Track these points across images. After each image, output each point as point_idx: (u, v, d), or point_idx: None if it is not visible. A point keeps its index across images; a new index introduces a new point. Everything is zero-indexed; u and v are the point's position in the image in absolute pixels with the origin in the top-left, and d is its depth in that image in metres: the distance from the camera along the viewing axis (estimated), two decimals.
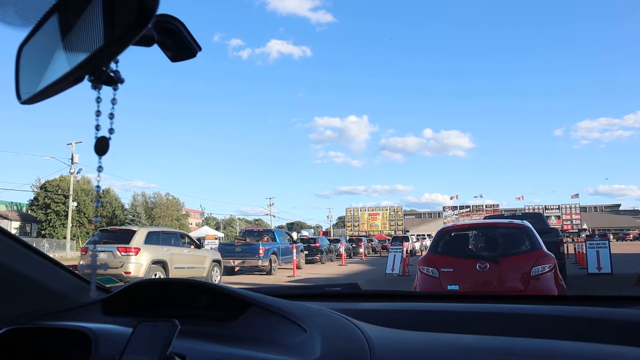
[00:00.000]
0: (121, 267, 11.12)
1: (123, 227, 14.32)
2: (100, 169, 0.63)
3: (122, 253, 11.24)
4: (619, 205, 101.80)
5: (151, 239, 11.93)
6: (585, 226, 69.99)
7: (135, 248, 11.34)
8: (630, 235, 70.54)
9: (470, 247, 7.00)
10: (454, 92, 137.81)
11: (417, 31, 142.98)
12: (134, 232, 11.84)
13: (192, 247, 13.54)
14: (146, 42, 0.63)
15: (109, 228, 13.46)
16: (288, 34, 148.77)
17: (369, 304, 1.40)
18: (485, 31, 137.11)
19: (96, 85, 0.60)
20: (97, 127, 0.61)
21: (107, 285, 1.57)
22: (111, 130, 0.62)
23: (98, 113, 0.61)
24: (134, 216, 61.93)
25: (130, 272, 11.04)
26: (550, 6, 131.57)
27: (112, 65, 0.61)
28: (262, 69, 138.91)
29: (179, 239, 13.38)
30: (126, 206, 65.98)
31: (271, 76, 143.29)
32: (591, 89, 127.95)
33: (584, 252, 14.79)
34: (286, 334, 1.04)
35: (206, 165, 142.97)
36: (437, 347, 0.92)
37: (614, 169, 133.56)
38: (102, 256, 11.32)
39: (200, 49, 0.71)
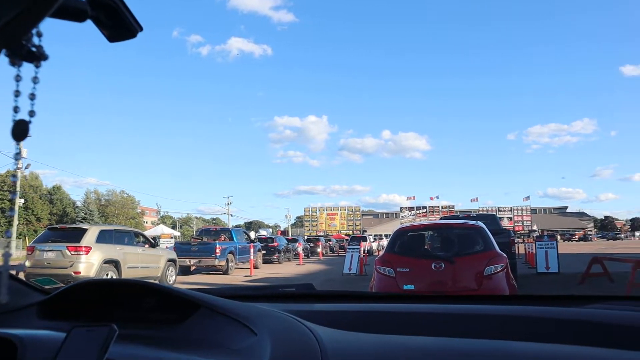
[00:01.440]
0: (70, 266, 10.69)
1: (73, 225, 13.81)
2: (18, 155, 0.56)
3: (72, 252, 10.81)
4: (566, 208, 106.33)
5: (103, 237, 11.53)
6: (535, 227, 72.57)
7: (86, 247, 10.93)
8: (576, 236, 73.89)
9: (426, 247, 7.10)
10: (412, 93, 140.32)
11: (376, 31, 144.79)
12: (85, 230, 11.42)
13: (147, 246, 13.19)
14: (77, 16, 0.56)
15: (58, 226, 12.96)
16: (249, 32, 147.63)
17: (324, 305, 1.37)
18: (445, 31, 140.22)
19: (14, 61, 0.53)
20: (16, 109, 0.54)
21: (46, 287, 1.48)
22: (32, 113, 0.55)
23: (17, 93, 0.54)
24: (86, 214, 59.99)
25: (80, 272, 10.63)
26: (513, 7, 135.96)
27: (35, 40, 0.54)
28: (222, 67, 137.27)
29: (133, 237, 13.01)
30: (78, 204, 63.87)
31: (231, 74, 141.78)
32: (543, 94, 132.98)
33: (534, 252, 15.30)
34: (235, 337, 0.99)
35: (163, 163, 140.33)
36: (390, 349, 0.90)
37: (562, 173, 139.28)
38: (50, 255, 10.86)
39: (141, 29, 0.64)
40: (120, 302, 1.21)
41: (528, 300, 1.36)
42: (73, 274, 10.59)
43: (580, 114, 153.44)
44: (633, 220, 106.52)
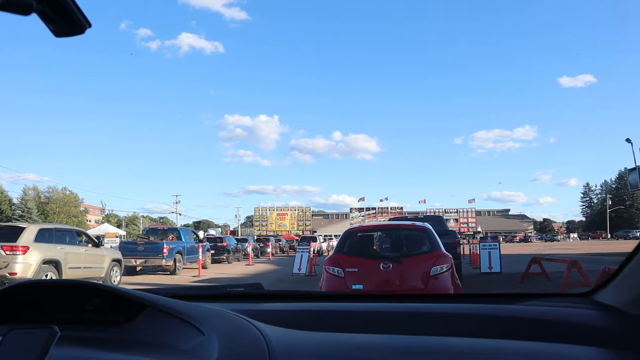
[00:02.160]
0: (5, 267, 10.14)
1: (9, 224, 13.11)
2: None
3: (7, 252, 10.25)
4: (508, 210, 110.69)
5: (42, 236, 10.99)
6: (479, 229, 75.08)
7: (23, 246, 10.39)
8: (517, 238, 77.09)
9: (374, 247, 7.22)
10: (363, 95, 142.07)
11: (328, 32, 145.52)
12: (22, 229, 10.85)
13: (90, 245, 12.70)
14: (21, 8, 0.54)
15: None
16: (200, 28, 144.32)
17: (272, 305, 1.38)
18: (399, 32, 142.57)
19: None
20: None
21: None
22: None
23: None
24: (23, 212, 57.12)
25: (16, 273, 10.10)
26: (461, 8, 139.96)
27: None
28: (172, 63, 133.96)
29: (75, 237, 12.48)
30: (15, 201, 60.72)
31: (181, 70, 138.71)
32: (488, 101, 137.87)
33: (478, 253, 15.85)
34: (182, 337, 0.98)
35: (109, 160, 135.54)
36: (337, 347, 0.92)
37: (505, 177, 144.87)
38: None
39: (89, 25, 0.63)
40: (61, 304, 1.17)
41: (470, 299, 1.42)
42: (8, 275, 10.06)
43: (522, 121, 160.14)
44: (569, 222, 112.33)
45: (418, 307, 1.30)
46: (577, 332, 1.06)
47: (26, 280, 1.20)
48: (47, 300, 1.17)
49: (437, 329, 1.12)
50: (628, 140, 28.56)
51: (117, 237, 31.42)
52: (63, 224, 21.47)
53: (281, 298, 1.49)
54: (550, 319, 1.12)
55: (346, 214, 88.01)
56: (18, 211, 57.38)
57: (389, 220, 17.64)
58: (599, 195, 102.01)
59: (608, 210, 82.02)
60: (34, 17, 0.58)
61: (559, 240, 71.78)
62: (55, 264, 11.05)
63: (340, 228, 58.18)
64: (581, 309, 1.17)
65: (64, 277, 11.00)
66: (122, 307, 1.11)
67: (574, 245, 47.69)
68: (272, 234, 62.59)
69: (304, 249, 16.58)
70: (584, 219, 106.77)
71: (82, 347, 0.96)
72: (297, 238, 45.11)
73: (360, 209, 78.57)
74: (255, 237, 40.88)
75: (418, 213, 48.47)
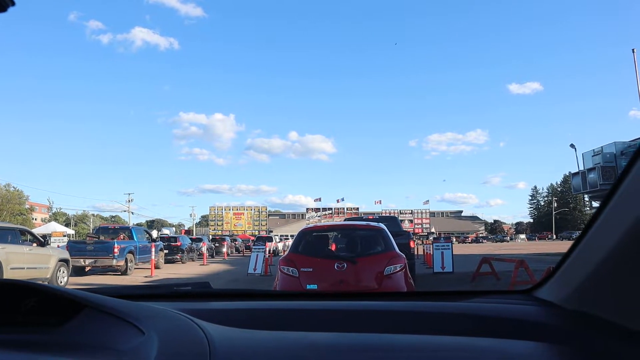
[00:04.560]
0: None
1: None
2: None
3: None
4: (461, 212, 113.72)
5: None
6: (433, 230, 76.81)
7: None
8: (469, 239, 79.35)
9: (329, 247, 7.24)
10: (318, 95, 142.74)
11: (284, 30, 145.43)
12: None
13: (35, 245, 12.15)
14: None
15: None
16: (155, 23, 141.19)
17: (220, 304, 1.35)
18: (355, 29, 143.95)
19: None
20: None
21: None
22: None
23: None
24: None
25: None
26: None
27: None
28: (124, 57, 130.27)
29: (18, 235, 11.91)
30: None
31: (134, 66, 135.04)
32: (441, 104, 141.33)
33: (431, 253, 16.19)
34: (121, 337, 0.94)
35: (56, 155, 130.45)
36: (284, 345, 0.91)
37: (457, 179, 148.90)
38: None
39: (13, 3, 0.59)
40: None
41: (421, 297, 1.44)
42: None
43: (474, 125, 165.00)
44: (517, 224, 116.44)
45: (369, 305, 1.31)
46: (517, 327, 1.09)
47: None
48: None
49: (386, 327, 1.13)
50: (572, 145, 29.83)
51: (64, 236, 30.26)
52: (5, 222, 20.51)
53: (229, 297, 1.46)
54: (492, 315, 1.16)
55: (302, 214, 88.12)
56: None
57: (345, 220, 17.76)
58: (546, 198, 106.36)
59: (554, 212, 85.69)
60: None
61: (508, 241, 74.31)
62: None
63: (296, 228, 58.00)
64: (522, 305, 1.22)
65: (5, 277, 10.48)
66: (60, 307, 1.06)
67: (522, 245, 49.52)
68: (227, 233, 61.85)
69: (259, 248, 16.46)
70: (531, 220, 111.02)
71: (15, 351, 0.90)
72: (253, 238, 44.74)
73: (317, 209, 78.85)
74: (211, 237, 40.25)
75: (373, 214, 49.13)
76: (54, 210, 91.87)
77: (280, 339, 0.97)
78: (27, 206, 71.51)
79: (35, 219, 76.95)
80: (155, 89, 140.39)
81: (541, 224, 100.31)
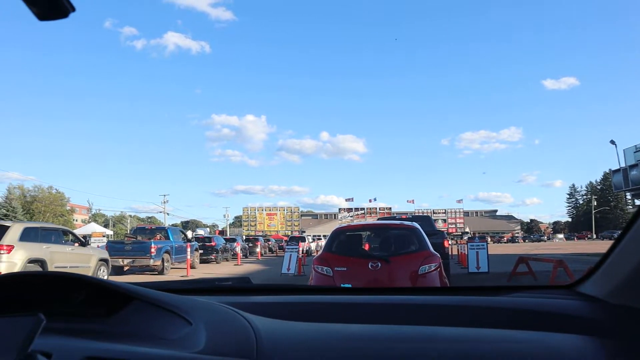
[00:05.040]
0: None
1: None
2: None
3: None
4: (496, 211, 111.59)
5: (28, 235, 10.85)
6: (467, 229, 75.67)
7: (7, 245, 10.25)
8: (505, 238, 77.71)
9: (363, 246, 7.22)
10: (350, 96, 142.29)
11: (314, 32, 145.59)
12: (7, 227, 10.69)
13: (77, 244, 12.57)
14: None
15: None
16: (186, 27, 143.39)
17: (260, 297, 1.38)
18: (383, 32, 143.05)
19: None
20: None
21: None
22: None
23: None
24: (8, 211, 56.34)
25: (0, 273, 9.98)
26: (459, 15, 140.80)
27: None
28: (157, 62, 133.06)
29: (61, 236, 12.34)
30: None
31: (167, 70, 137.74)
32: (474, 102, 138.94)
33: (466, 253, 15.94)
34: (169, 327, 0.98)
35: (96, 159, 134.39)
36: (324, 336, 0.92)
37: (492, 179, 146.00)
38: None
39: (73, 9, 0.62)
40: (47, 296, 1.15)
41: (460, 291, 1.44)
42: None
43: (507, 123, 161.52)
44: (555, 223, 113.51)
45: (406, 299, 1.31)
46: (559, 320, 1.09)
47: (8, 273, 1.18)
48: (34, 293, 1.15)
49: (425, 320, 1.14)
50: (612, 142, 28.91)
51: (104, 236, 31.14)
52: (49, 223, 21.20)
53: (269, 292, 1.49)
54: (534, 308, 1.15)
55: (335, 214, 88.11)
56: (2, 210, 56.59)
57: (378, 219, 17.67)
58: (585, 197, 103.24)
59: (593, 211, 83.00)
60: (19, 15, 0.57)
61: (545, 241, 72.48)
62: (41, 263, 10.91)
63: (328, 228, 58.18)
64: (564, 299, 1.20)
65: None
66: (108, 299, 1.10)
67: (560, 245, 48.19)
68: (260, 234, 62.46)
69: (292, 249, 16.55)
70: (570, 219, 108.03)
71: (69, 337, 0.95)
72: (285, 238, 45.00)
73: (349, 209, 78.69)
74: (244, 237, 40.70)
75: (406, 213, 48.70)
76: (94, 211, 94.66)
77: (323, 330, 0.99)
78: (68, 208, 73.82)
79: (76, 220, 79.35)
80: (187, 92, 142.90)
81: (580, 223, 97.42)
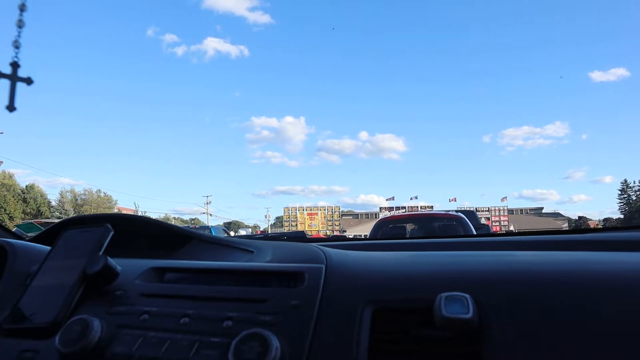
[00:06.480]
0: None
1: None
2: None
3: None
4: (541, 209, 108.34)
5: None
6: (512, 227, 73.81)
7: None
8: None
9: (407, 237, 7.12)
10: (389, 96, 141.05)
11: (352, 36, 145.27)
12: None
13: None
14: None
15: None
16: (225, 32, 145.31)
17: (319, 245, 1.36)
18: (418, 36, 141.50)
19: None
20: None
21: (29, 234, 1.43)
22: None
23: None
24: (61, 213, 58.97)
25: None
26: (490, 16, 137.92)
27: None
28: (198, 67, 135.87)
29: None
30: (53, 203, 62.75)
31: (207, 74, 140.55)
32: (516, 97, 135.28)
33: None
34: (232, 256, 0.98)
35: (141, 163, 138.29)
36: (391, 257, 0.88)
37: (536, 175, 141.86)
38: None
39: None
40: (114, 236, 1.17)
41: (585, 231, 1.28)
42: None
43: (552, 117, 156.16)
44: (605, 220, 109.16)
45: (525, 239, 1.18)
46: None
47: (73, 216, 1.21)
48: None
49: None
50: None
51: None
52: None
53: (325, 241, 1.47)
54: None
55: (376, 214, 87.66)
56: (56, 213, 59.23)
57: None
58: (638, 192, 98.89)
59: None
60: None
61: None
62: None
63: (369, 227, 57.83)
64: None
65: None
66: (169, 239, 1.12)
67: None
68: None
69: None
70: (622, 216, 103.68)
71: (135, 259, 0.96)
72: (327, 237, 45.12)
73: (390, 208, 78.21)
74: (286, 237, 40.95)
75: (449, 211, 47.91)
76: (140, 213, 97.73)
77: (387, 255, 0.94)
78: (115, 210, 76.52)
79: None
80: (227, 96, 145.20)
81: (634, 220, 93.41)
